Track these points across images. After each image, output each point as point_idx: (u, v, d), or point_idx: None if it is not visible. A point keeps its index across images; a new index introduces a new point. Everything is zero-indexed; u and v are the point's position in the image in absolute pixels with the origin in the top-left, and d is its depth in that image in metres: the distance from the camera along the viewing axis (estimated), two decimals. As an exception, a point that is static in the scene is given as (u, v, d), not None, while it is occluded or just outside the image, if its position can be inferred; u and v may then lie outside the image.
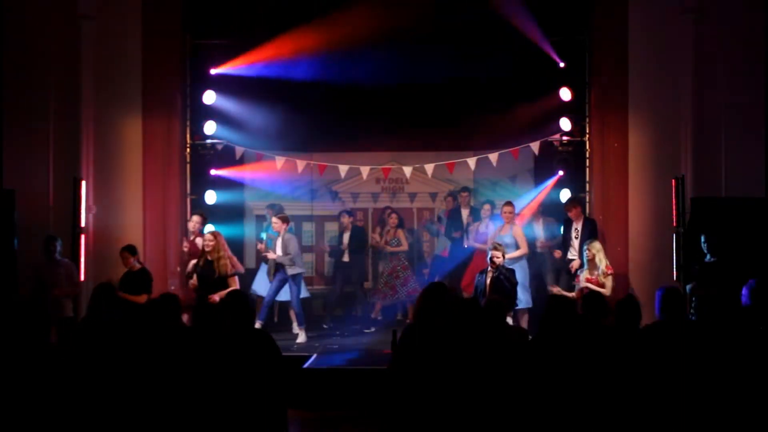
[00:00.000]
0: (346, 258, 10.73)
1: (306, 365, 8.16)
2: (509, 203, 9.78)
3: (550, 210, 10.43)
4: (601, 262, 8.64)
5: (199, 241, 9.20)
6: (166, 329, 5.37)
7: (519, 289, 8.69)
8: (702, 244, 8.08)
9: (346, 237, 10.73)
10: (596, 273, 8.60)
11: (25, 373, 4.43)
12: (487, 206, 10.30)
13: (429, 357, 4.95)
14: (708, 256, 8.05)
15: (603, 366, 4.77)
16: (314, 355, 8.65)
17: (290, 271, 9.65)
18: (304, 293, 10.18)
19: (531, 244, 9.76)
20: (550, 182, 10.79)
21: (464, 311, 5.33)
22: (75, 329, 6.53)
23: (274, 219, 9.85)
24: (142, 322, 5.57)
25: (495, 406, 4.80)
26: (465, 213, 10.74)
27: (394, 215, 10.83)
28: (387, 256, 10.67)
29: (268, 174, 11.14)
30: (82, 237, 9.07)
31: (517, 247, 9.40)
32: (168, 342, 5.23)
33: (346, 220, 10.77)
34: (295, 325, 9.83)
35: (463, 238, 10.51)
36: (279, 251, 9.68)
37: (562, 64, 10.66)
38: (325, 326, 10.51)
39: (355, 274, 10.77)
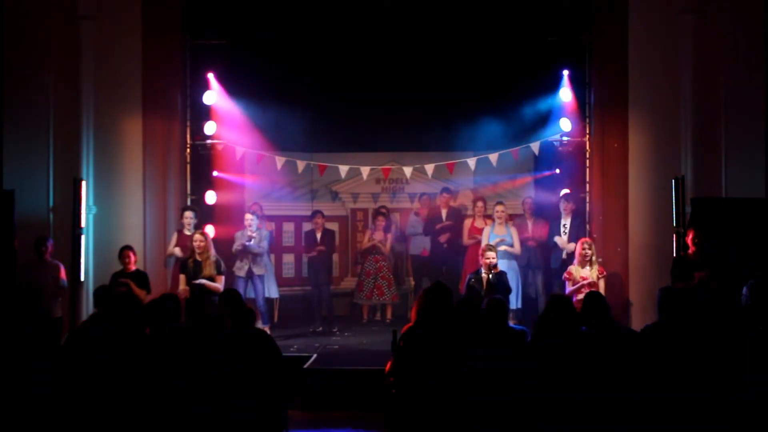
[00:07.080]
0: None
1: (306, 365, 8.16)
2: (501, 203, 10.03)
3: (542, 209, 10.53)
4: (594, 262, 8.69)
5: (188, 234, 9.37)
6: (166, 329, 5.37)
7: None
8: (690, 241, 8.12)
9: (320, 236, 10.52)
10: (589, 271, 8.61)
11: (29, 373, 4.43)
12: (480, 204, 10.42)
13: (429, 357, 4.95)
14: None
15: (603, 365, 4.77)
16: (314, 355, 8.65)
17: (256, 270, 9.77)
18: (273, 293, 10.26)
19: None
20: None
21: (466, 311, 5.33)
22: (77, 330, 6.54)
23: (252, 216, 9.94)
24: (142, 322, 5.58)
25: (495, 406, 4.80)
26: (444, 213, 10.76)
27: (380, 217, 10.83)
28: (372, 257, 10.72)
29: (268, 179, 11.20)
30: (82, 237, 9.07)
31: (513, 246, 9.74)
32: (168, 342, 5.23)
33: (320, 220, 10.60)
34: (259, 322, 9.72)
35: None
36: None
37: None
38: (320, 329, 10.35)
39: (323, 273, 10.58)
